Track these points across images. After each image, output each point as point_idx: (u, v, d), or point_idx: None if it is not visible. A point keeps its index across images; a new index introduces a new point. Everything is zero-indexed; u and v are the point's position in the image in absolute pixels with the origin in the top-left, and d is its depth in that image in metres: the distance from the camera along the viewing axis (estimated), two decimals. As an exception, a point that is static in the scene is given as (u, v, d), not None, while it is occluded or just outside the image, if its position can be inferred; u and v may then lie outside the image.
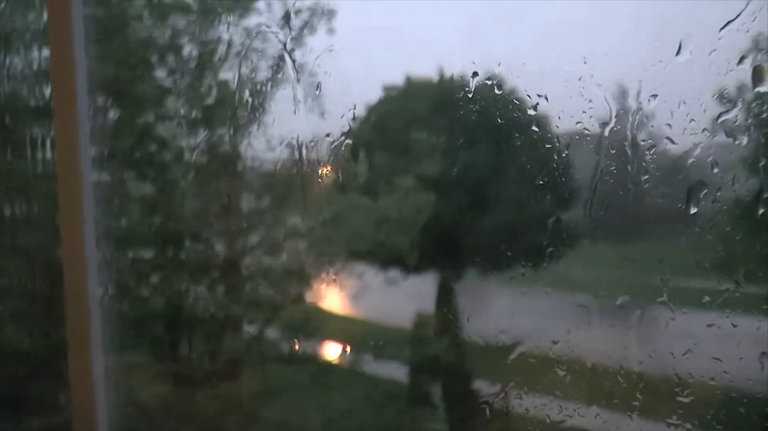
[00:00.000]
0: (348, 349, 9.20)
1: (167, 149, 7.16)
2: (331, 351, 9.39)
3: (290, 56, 7.72)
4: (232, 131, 7.46)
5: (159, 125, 7.03)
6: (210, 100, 7.44)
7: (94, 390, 1.88)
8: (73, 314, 1.87)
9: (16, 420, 4.41)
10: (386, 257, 9.63)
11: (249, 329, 7.75)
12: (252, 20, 7.41)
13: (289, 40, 7.91)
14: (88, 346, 1.84)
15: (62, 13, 1.81)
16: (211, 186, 7.21)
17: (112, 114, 6.57)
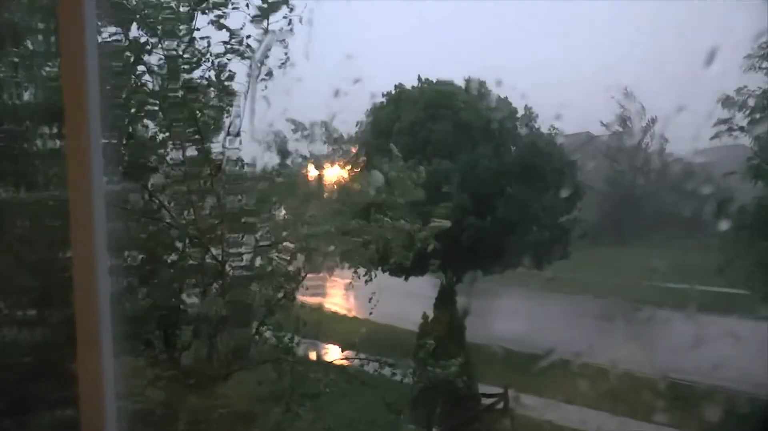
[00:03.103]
0: (354, 351, 9.14)
1: (163, 155, 7.15)
2: (337, 352, 9.33)
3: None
4: (238, 135, 7.44)
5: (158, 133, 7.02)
6: (218, 105, 7.44)
7: (102, 390, 1.90)
8: (82, 313, 1.89)
9: (25, 419, 4.43)
10: (395, 259, 9.51)
11: (255, 330, 7.72)
12: (264, 26, 7.35)
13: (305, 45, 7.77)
14: (98, 345, 1.87)
15: (74, 21, 1.84)
16: (216, 191, 7.21)
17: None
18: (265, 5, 7.24)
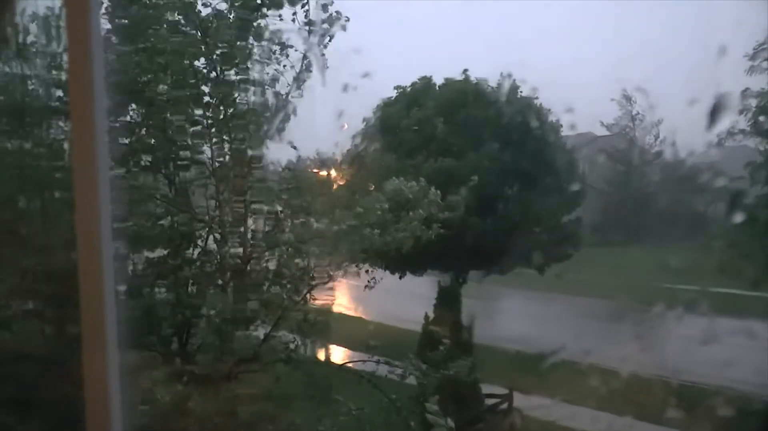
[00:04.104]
0: (367, 354, 9.10)
1: (188, 152, 7.22)
2: (347, 354, 9.31)
3: (320, 57, 7.76)
4: (251, 135, 7.49)
5: (181, 128, 7.09)
6: (233, 105, 7.47)
7: (108, 388, 1.88)
8: (89, 312, 1.87)
9: (31, 418, 4.41)
10: (402, 259, 9.57)
11: (261, 330, 7.71)
12: (275, 27, 7.45)
13: (315, 43, 7.96)
14: (104, 344, 1.85)
15: (80, 11, 1.82)
16: (228, 189, 7.23)
17: (133, 115, 6.65)
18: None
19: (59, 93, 6.10)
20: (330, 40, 7.84)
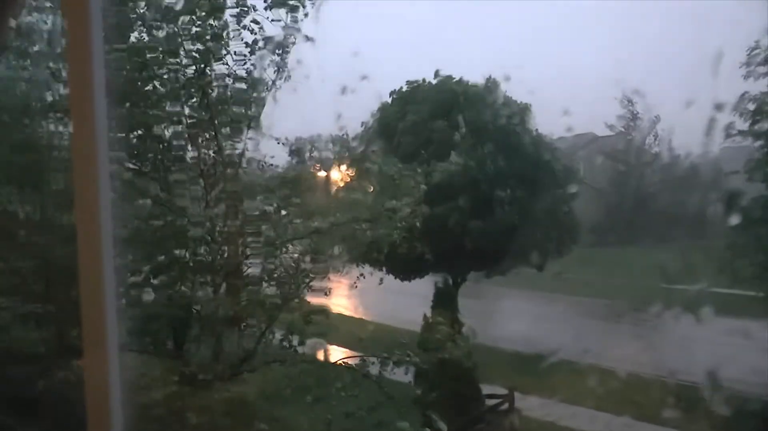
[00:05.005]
0: (357, 351, 9.08)
1: (173, 152, 7.17)
2: (339, 353, 9.28)
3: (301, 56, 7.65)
4: (244, 134, 7.44)
5: (164, 127, 7.04)
6: (223, 101, 7.43)
7: (109, 389, 1.88)
8: (89, 312, 1.87)
9: (31, 419, 4.41)
10: (396, 259, 9.53)
11: (263, 331, 7.67)
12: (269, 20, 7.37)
13: (310, 44, 7.83)
14: (104, 344, 1.85)
15: (80, 10, 1.82)
16: (219, 189, 7.19)
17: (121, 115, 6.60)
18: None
19: (59, 92, 6.09)
20: (304, 18, 7.69)
